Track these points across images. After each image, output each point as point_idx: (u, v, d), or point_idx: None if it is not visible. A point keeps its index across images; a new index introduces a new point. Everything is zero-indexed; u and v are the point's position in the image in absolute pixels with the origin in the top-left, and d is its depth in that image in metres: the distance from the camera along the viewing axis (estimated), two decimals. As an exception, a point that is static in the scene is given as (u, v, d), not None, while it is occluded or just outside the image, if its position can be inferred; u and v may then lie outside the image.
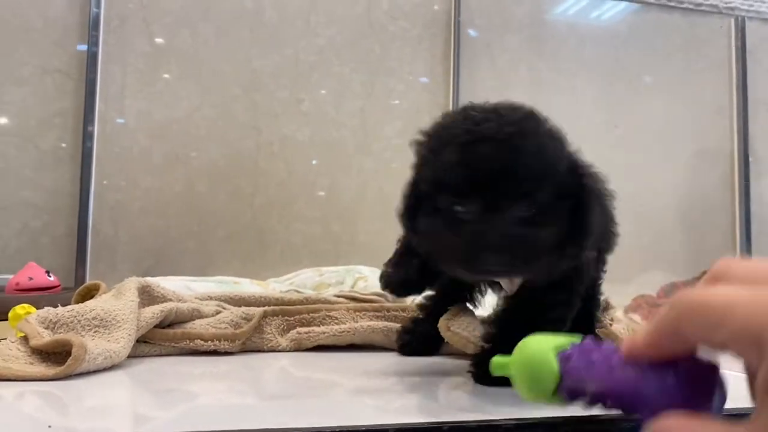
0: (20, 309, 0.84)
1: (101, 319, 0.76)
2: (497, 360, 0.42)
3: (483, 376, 0.62)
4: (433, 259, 0.61)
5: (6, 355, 0.67)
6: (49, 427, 0.46)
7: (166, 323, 0.86)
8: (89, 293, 0.96)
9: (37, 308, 0.89)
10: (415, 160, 0.63)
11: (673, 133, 1.89)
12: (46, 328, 0.72)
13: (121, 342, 0.72)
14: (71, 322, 0.73)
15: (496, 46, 1.75)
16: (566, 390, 0.38)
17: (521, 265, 0.56)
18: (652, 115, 1.88)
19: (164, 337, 0.83)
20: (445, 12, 1.71)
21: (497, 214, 0.54)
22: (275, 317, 0.88)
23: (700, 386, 0.35)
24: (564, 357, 0.38)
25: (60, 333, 0.72)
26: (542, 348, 0.39)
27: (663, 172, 1.86)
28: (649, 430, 0.33)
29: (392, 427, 0.46)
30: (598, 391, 0.37)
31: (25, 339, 0.71)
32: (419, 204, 0.61)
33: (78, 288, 1.00)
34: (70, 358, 0.65)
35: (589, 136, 1.82)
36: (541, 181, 0.55)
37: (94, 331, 0.73)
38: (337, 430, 0.46)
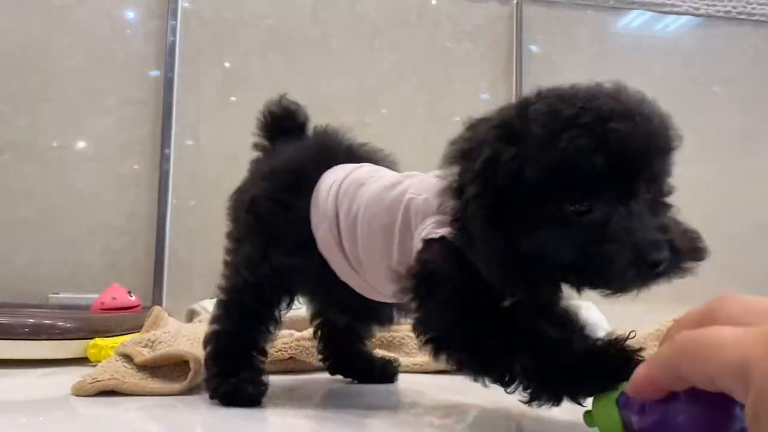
0: (101, 341, 0.89)
1: (193, 334, 0.80)
2: (589, 414, 0.46)
3: None
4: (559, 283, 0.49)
5: (121, 372, 0.71)
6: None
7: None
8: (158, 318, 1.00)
9: (122, 327, 0.94)
10: (480, 169, 0.48)
11: (748, 148, 1.83)
12: (144, 347, 0.76)
13: None
14: (168, 339, 0.77)
15: (559, 63, 1.74)
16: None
17: (689, 257, 0.46)
18: (725, 129, 1.82)
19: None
20: (507, 31, 1.72)
21: (632, 207, 0.45)
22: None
23: (719, 413, 0.36)
24: (623, 407, 0.42)
25: (160, 349, 0.76)
26: (606, 408, 0.43)
27: (739, 188, 1.80)
28: None
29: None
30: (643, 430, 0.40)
31: (128, 358, 0.75)
32: (505, 215, 0.47)
33: (149, 309, 1.05)
34: (191, 373, 0.69)
35: (658, 153, 1.78)
36: (671, 160, 0.49)
37: (190, 346, 0.76)
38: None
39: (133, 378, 0.70)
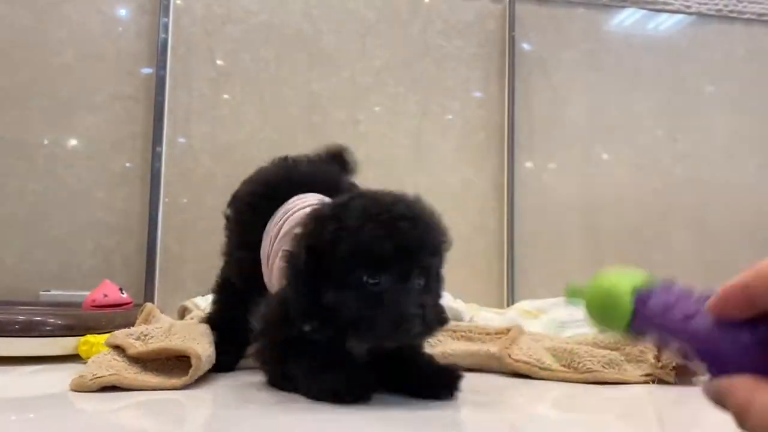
0: (92, 338, 0.89)
1: (184, 332, 0.80)
2: (572, 285, 0.42)
3: None
4: (341, 332, 0.65)
5: (115, 366, 0.71)
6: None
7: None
8: (150, 314, 1.00)
9: (113, 324, 0.94)
10: (309, 240, 0.66)
11: (737, 146, 1.84)
12: (136, 339, 0.76)
13: (211, 347, 0.77)
14: (160, 335, 0.77)
15: (552, 61, 1.75)
16: (636, 330, 0.38)
17: (435, 329, 0.65)
18: (714, 127, 1.83)
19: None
20: (499, 29, 1.72)
21: (409, 285, 0.63)
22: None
23: None
24: (641, 299, 0.38)
25: (152, 343, 0.76)
26: (619, 284, 0.39)
27: (727, 186, 1.81)
28: (713, 387, 0.33)
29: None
30: (670, 337, 0.37)
31: (118, 351, 0.75)
32: (318, 281, 0.65)
33: (141, 306, 1.05)
34: (192, 368, 0.70)
35: (649, 150, 1.79)
36: (438, 255, 0.67)
37: (182, 342, 0.76)
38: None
39: (127, 372, 0.70)
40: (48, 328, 0.90)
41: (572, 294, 0.43)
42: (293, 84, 1.61)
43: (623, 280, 0.40)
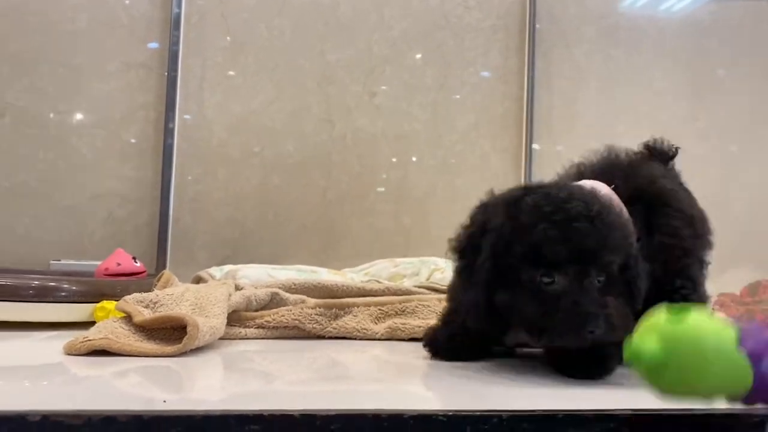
0: (108, 304, 0.87)
1: (196, 298, 0.78)
2: (637, 348, 0.36)
3: None
4: (514, 330, 0.65)
5: (117, 332, 0.69)
6: (164, 401, 0.47)
7: (252, 309, 0.88)
8: (168, 281, 0.99)
9: (128, 291, 0.92)
10: (487, 236, 0.64)
11: (760, 124, 1.80)
12: (146, 307, 0.74)
13: (219, 318, 0.74)
14: (170, 303, 0.75)
15: (572, 36, 1.71)
16: (760, 397, 0.33)
17: (620, 331, 0.58)
18: (737, 107, 1.79)
19: (248, 318, 0.85)
20: (519, 2, 1.68)
21: (584, 285, 0.60)
22: (368, 307, 0.89)
23: None
24: (754, 353, 0.33)
25: (160, 312, 0.74)
26: (719, 337, 0.32)
27: (749, 165, 1.78)
28: None
29: (506, 413, 0.45)
30: None
31: (126, 318, 0.73)
32: (495, 277, 0.63)
33: (157, 275, 1.03)
34: (187, 337, 0.68)
35: (669, 129, 1.74)
36: (619, 253, 0.62)
37: (191, 311, 0.74)
38: (440, 414, 0.45)
39: (127, 339, 0.68)
40: (63, 293, 0.88)
41: (636, 357, 0.35)
42: (308, 54, 1.57)
43: (719, 334, 0.33)
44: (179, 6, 1.50)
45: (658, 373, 0.35)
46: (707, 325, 0.34)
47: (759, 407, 0.33)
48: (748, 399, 0.34)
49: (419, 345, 0.75)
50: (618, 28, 1.74)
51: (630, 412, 0.46)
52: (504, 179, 1.64)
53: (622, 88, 1.73)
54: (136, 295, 0.79)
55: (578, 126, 1.70)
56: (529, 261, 0.61)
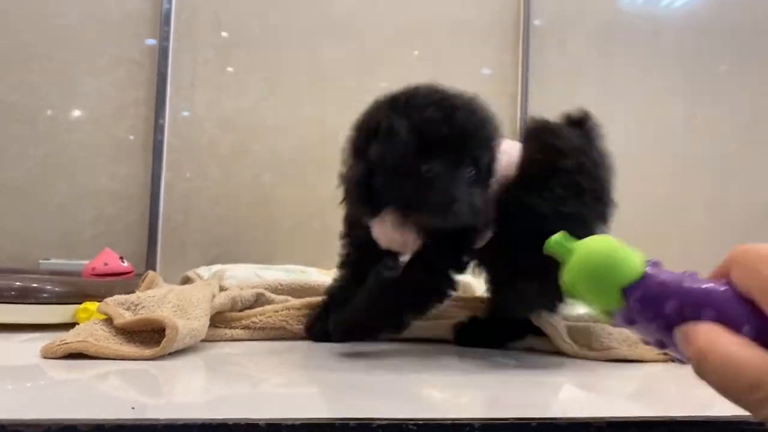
0: (91, 305, 0.86)
1: (178, 300, 0.77)
2: (557, 238, 0.39)
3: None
4: (407, 216, 0.70)
5: (96, 335, 0.68)
6: (132, 408, 0.46)
7: (237, 309, 0.87)
8: (153, 282, 0.98)
9: (113, 292, 0.90)
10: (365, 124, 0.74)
11: (757, 123, 1.79)
12: (127, 309, 0.73)
13: (201, 320, 0.73)
14: (151, 305, 0.74)
15: (568, 34, 1.69)
16: (642, 291, 0.35)
17: (481, 216, 0.68)
18: (734, 104, 1.78)
19: (233, 318, 0.84)
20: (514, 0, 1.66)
21: (459, 172, 0.67)
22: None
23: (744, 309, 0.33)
24: (654, 262, 0.36)
25: (141, 314, 0.73)
26: (622, 247, 0.37)
27: (747, 165, 1.76)
28: (680, 333, 0.34)
29: (478, 422, 0.44)
30: (675, 310, 0.34)
31: (108, 321, 0.72)
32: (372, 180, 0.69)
33: (142, 275, 1.02)
34: (165, 339, 0.66)
35: (666, 127, 1.74)
36: (488, 149, 0.70)
37: (173, 313, 0.73)
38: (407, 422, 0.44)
39: (106, 341, 0.67)
40: (45, 295, 0.87)
41: (555, 246, 0.39)
42: (301, 51, 1.56)
43: (611, 271, 0.36)
44: (170, 2, 1.48)
45: (568, 269, 0.38)
46: (605, 250, 0.37)
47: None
48: (626, 300, 0.36)
49: (396, 345, 0.74)
50: (614, 25, 1.73)
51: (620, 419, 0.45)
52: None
53: (618, 87, 1.72)
54: (118, 297, 0.78)
55: (574, 124, 1.68)
56: (413, 146, 0.66)
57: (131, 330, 0.71)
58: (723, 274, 0.35)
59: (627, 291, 0.36)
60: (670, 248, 1.64)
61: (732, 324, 0.33)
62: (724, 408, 0.38)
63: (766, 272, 0.33)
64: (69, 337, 0.67)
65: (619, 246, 0.37)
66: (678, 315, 0.34)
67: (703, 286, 0.35)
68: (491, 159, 0.71)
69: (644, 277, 0.36)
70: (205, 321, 0.75)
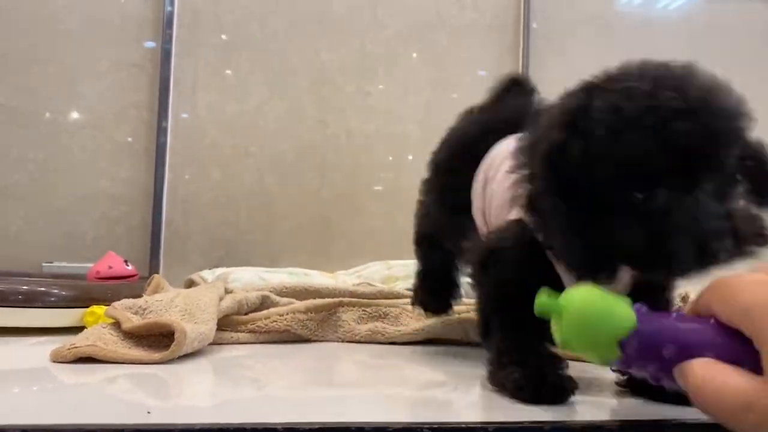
0: (98, 309, 0.86)
1: (186, 304, 0.78)
2: (545, 299, 0.40)
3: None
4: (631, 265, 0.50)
5: (104, 339, 0.68)
6: (149, 413, 0.47)
7: (242, 312, 0.87)
8: (159, 286, 0.98)
9: (120, 295, 0.91)
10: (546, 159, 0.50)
11: (755, 125, 1.80)
12: (135, 313, 0.73)
13: (209, 324, 0.74)
14: (159, 309, 0.75)
15: (567, 37, 1.70)
16: (637, 340, 0.37)
17: (752, 242, 0.47)
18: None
19: (239, 322, 0.85)
20: (514, 2, 1.67)
21: (695, 195, 0.46)
22: (352, 308, 0.88)
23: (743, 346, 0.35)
24: (641, 308, 0.38)
25: (149, 318, 0.73)
26: (612, 295, 0.38)
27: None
28: (677, 370, 0.36)
29: (492, 425, 0.44)
30: (687, 342, 0.36)
31: (116, 324, 0.73)
32: (571, 201, 0.49)
33: (149, 278, 1.03)
34: (174, 343, 0.67)
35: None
36: (735, 145, 0.49)
37: (181, 317, 0.74)
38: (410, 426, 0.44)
39: (115, 345, 0.68)
40: (52, 299, 0.87)
41: (544, 307, 0.40)
42: (302, 54, 1.57)
43: (606, 326, 0.38)
44: (172, 4, 1.49)
45: (562, 326, 0.40)
46: (593, 307, 0.39)
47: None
48: (622, 350, 0.38)
49: (402, 348, 0.74)
50: (612, 27, 1.74)
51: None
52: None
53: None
54: (126, 301, 0.78)
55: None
56: (618, 179, 0.47)
57: (139, 334, 0.71)
58: (704, 305, 0.38)
59: (623, 344, 0.38)
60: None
61: (723, 356, 0.35)
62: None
63: (742, 301, 0.35)
64: (78, 341, 0.68)
65: (604, 299, 0.39)
66: (676, 358, 0.36)
67: (694, 326, 0.37)
68: (746, 149, 0.51)
69: (638, 329, 0.38)
70: (213, 325, 0.76)
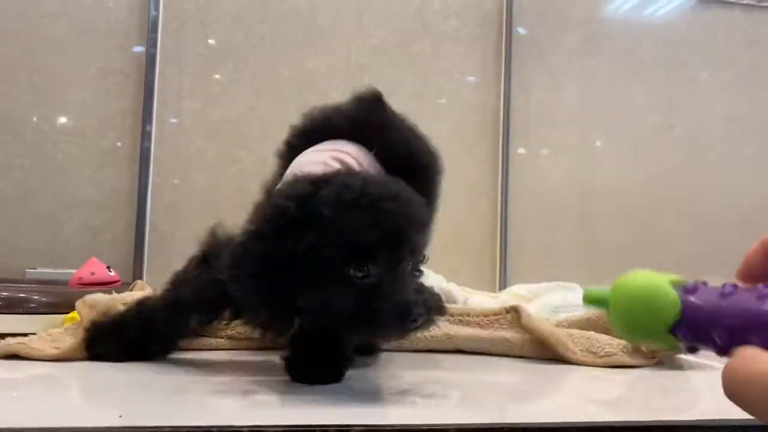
0: (78, 315, 0.87)
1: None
2: (592, 291, 0.38)
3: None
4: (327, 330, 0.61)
5: (57, 339, 0.70)
6: (120, 416, 0.47)
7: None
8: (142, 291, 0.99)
9: (100, 302, 0.91)
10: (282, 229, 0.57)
11: (734, 133, 1.83)
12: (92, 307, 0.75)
13: None
14: (114, 305, 0.76)
15: (549, 44, 1.73)
16: (687, 326, 0.34)
17: (437, 313, 0.59)
18: (711, 114, 1.82)
19: (219, 328, 0.85)
20: (496, 11, 1.69)
21: (398, 272, 0.57)
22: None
23: None
24: (687, 289, 0.34)
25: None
26: (657, 278, 0.35)
27: (723, 173, 1.80)
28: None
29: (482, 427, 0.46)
30: (733, 325, 0.32)
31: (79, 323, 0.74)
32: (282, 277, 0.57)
33: (131, 284, 1.03)
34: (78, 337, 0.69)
35: (644, 137, 1.78)
36: (425, 231, 0.63)
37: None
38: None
39: (40, 343, 0.70)
40: (32, 305, 0.88)
41: (593, 300, 0.39)
42: (287, 61, 1.58)
43: (658, 276, 0.36)
44: (157, 9, 1.49)
45: (613, 314, 0.38)
46: (644, 272, 0.37)
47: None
48: (678, 334, 0.35)
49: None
50: (595, 36, 1.76)
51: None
52: (482, 186, 1.65)
53: (599, 96, 1.75)
54: (97, 296, 0.79)
55: (555, 134, 1.71)
56: (336, 255, 0.55)
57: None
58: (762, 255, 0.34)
59: (674, 330, 0.35)
60: (646, 256, 1.68)
61: None
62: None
63: None
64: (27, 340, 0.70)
65: (648, 288, 0.36)
66: (729, 342, 0.33)
67: (742, 303, 0.33)
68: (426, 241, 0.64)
69: (684, 313, 0.34)
70: None
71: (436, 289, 0.67)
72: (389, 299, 0.54)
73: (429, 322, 0.57)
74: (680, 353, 0.36)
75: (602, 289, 0.38)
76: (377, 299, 0.54)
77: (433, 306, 0.58)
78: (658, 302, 0.35)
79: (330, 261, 0.55)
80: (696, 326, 0.34)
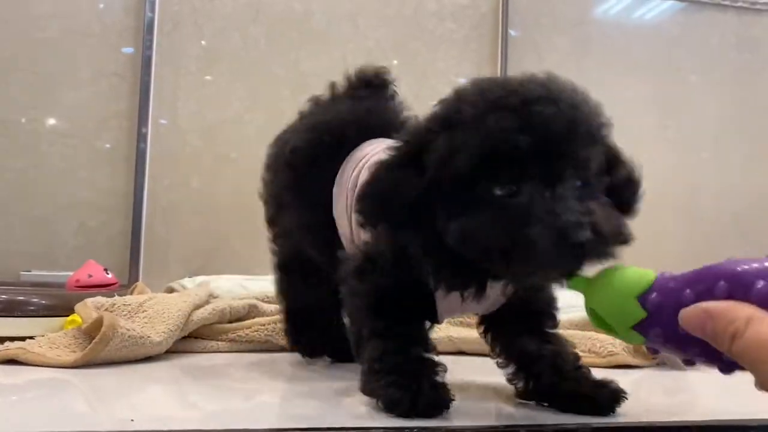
0: (77, 317, 0.86)
1: (155, 311, 0.78)
2: (578, 279, 0.45)
3: None
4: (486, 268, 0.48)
5: (56, 343, 0.69)
6: (132, 420, 0.47)
7: (225, 321, 0.88)
8: (142, 293, 0.99)
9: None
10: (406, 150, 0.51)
11: (726, 134, 1.85)
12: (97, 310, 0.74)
13: (161, 336, 0.74)
14: (124, 312, 0.76)
15: (544, 46, 1.73)
16: (658, 300, 0.41)
17: (614, 240, 0.46)
18: (704, 115, 1.83)
19: (221, 331, 0.85)
20: (492, 13, 1.70)
21: (561, 190, 0.45)
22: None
23: None
24: (646, 299, 0.42)
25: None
26: (628, 285, 0.42)
27: (716, 173, 1.82)
28: (700, 309, 0.39)
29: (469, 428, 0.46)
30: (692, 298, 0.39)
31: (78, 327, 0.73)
32: (431, 198, 0.48)
33: (130, 286, 1.03)
34: (95, 339, 0.67)
35: (638, 137, 1.79)
36: (596, 145, 0.49)
37: (144, 324, 0.74)
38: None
39: (40, 348, 0.69)
40: (31, 308, 0.87)
41: (576, 286, 0.45)
42: (283, 63, 1.58)
43: (630, 280, 0.43)
44: (152, 10, 1.49)
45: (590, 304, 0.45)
46: (619, 271, 0.44)
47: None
48: (636, 330, 0.42)
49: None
50: (589, 37, 1.77)
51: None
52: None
53: (593, 96, 1.76)
54: (97, 299, 0.79)
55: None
56: (479, 171, 0.46)
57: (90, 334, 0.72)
58: None
59: (643, 300, 0.41)
60: (639, 256, 1.68)
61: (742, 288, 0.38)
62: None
63: None
64: (27, 344, 0.69)
65: (627, 267, 0.43)
66: (698, 297, 0.39)
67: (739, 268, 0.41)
68: (610, 159, 0.53)
69: (657, 281, 0.41)
70: (167, 337, 0.75)
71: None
72: (542, 223, 0.43)
73: (601, 251, 0.45)
74: (641, 344, 0.42)
75: (585, 278, 0.45)
76: (528, 223, 0.43)
77: (608, 232, 0.45)
78: (635, 272, 0.43)
79: (469, 176, 0.46)
80: (665, 290, 0.41)
